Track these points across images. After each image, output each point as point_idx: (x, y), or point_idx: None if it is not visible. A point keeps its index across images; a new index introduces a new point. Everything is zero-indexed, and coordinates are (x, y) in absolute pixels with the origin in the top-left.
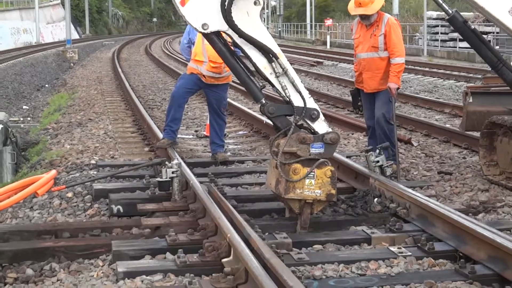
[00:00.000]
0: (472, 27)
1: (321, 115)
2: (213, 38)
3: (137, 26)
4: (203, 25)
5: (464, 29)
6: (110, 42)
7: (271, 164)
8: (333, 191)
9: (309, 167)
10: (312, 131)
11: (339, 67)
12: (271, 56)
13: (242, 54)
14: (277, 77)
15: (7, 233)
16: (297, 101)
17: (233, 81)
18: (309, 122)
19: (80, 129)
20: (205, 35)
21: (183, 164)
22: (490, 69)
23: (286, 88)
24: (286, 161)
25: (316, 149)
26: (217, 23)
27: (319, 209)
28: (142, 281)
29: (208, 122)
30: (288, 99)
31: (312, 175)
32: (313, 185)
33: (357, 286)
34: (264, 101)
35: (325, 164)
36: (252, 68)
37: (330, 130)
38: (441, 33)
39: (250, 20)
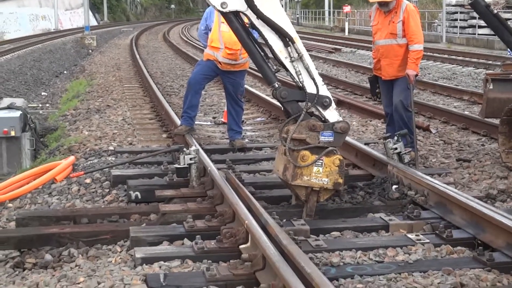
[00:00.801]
0: (495, 11)
1: (333, 103)
2: (231, 17)
3: (155, 13)
4: (222, 4)
5: (486, 14)
6: (128, 28)
7: (279, 150)
8: (341, 180)
9: (318, 155)
10: (323, 119)
11: (357, 54)
12: (287, 40)
13: (259, 36)
14: (292, 61)
15: (26, 219)
16: (310, 88)
17: (251, 68)
18: (320, 109)
19: (98, 116)
20: (223, 14)
21: (201, 151)
22: (509, 55)
23: (300, 74)
24: (295, 148)
25: (326, 137)
26: (236, 3)
27: (325, 197)
28: (160, 267)
29: (225, 109)
30: (301, 84)
31: (320, 163)
32: (321, 173)
33: (375, 273)
34: (277, 85)
35: (333, 153)
36: (268, 52)
37: (341, 119)
38: (460, 20)
39: (270, 1)
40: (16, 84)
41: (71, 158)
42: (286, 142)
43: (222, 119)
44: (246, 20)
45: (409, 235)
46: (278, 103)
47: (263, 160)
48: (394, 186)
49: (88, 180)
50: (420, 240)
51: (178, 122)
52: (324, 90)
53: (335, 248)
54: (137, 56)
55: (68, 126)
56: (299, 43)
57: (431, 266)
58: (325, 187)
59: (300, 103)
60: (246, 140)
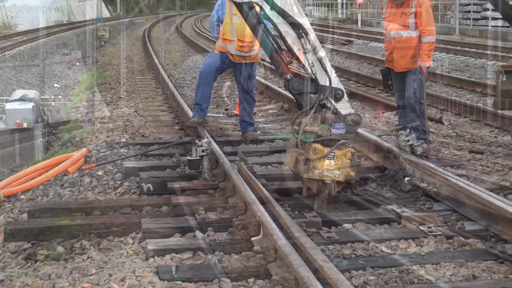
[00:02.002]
0: (511, 2)
1: (345, 96)
2: (245, 8)
3: (168, 5)
4: None
5: (501, 5)
6: (141, 20)
7: (291, 143)
8: (352, 173)
9: (330, 147)
10: (335, 111)
11: (370, 46)
12: (301, 31)
13: (272, 27)
14: (305, 53)
15: (38, 211)
16: (322, 80)
17: (263, 60)
18: (332, 101)
19: (110, 107)
20: (237, 5)
21: (213, 143)
22: None
23: (313, 65)
24: (307, 140)
25: (338, 129)
26: None
27: (337, 190)
28: (171, 259)
29: (238, 101)
30: (314, 76)
31: (332, 156)
32: (333, 166)
33: (387, 265)
34: (289, 77)
35: (345, 145)
36: (281, 44)
37: (353, 111)
38: (473, 12)
39: None
40: (29, 75)
41: (83, 150)
42: (298, 134)
43: (235, 111)
44: (258, 10)
45: (421, 227)
46: (290, 95)
47: (276, 152)
48: (406, 178)
49: (100, 172)
50: (432, 232)
51: (191, 114)
52: (336, 82)
53: (347, 240)
54: (150, 48)
55: (81, 118)
56: (312, 35)
57: (443, 258)
58: (337, 180)
59: (312, 95)
60: (259, 132)
